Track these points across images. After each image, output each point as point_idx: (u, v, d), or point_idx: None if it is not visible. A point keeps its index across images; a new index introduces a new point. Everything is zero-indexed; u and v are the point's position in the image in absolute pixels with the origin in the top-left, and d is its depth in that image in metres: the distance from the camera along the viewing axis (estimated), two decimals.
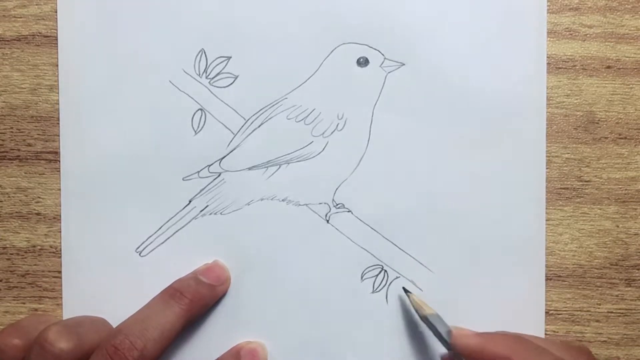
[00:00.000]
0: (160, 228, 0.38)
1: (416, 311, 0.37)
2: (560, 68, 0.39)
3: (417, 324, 0.38)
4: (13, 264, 0.38)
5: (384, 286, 0.38)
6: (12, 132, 0.38)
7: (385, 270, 0.38)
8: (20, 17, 0.38)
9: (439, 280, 0.38)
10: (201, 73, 0.38)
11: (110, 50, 0.38)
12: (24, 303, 0.38)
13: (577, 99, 0.39)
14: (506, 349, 0.32)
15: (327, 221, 0.38)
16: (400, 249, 0.38)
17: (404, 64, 0.38)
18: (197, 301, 0.36)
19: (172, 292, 0.35)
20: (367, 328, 0.38)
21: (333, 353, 0.38)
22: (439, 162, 0.38)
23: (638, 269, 0.39)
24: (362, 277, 0.38)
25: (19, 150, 0.38)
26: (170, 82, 0.38)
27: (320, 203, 0.38)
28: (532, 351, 0.32)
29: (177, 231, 0.38)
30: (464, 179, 0.38)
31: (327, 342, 0.38)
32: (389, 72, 0.38)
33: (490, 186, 0.38)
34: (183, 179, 0.38)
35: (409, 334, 0.38)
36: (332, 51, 0.38)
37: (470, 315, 0.38)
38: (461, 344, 0.33)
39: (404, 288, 0.38)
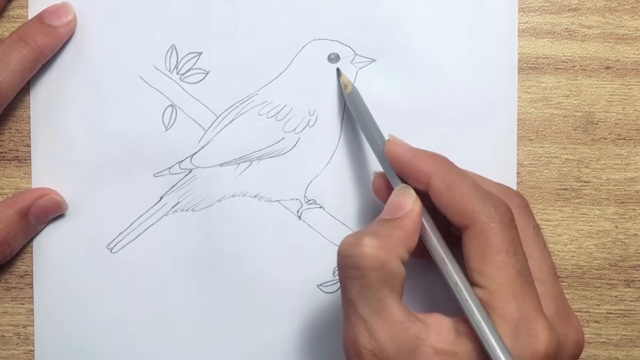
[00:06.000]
0: (131, 224, 0.38)
1: (342, 92, 0.36)
2: (559, 69, 0.38)
3: None
4: (12, 264, 0.38)
5: None
6: (10, 132, 0.38)
7: None
8: (20, 18, 0.38)
9: (410, 275, 0.38)
10: (172, 69, 0.38)
11: (80, 46, 0.38)
12: (22, 304, 0.38)
13: (576, 100, 0.39)
14: (429, 167, 0.31)
15: (299, 217, 0.38)
16: None
17: (374, 60, 0.38)
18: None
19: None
20: (339, 324, 0.38)
21: (304, 349, 0.38)
22: None
23: (637, 270, 0.39)
24: (333, 273, 0.38)
25: (17, 151, 0.38)
26: (140, 78, 0.38)
27: (292, 199, 0.38)
28: (454, 174, 0.31)
29: (148, 227, 0.38)
30: None
31: (297, 338, 0.38)
32: (360, 69, 0.38)
33: None
34: (154, 175, 0.38)
35: None
36: (303, 47, 0.38)
37: (446, 312, 0.38)
38: (393, 151, 0.33)
39: (337, 69, 0.38)
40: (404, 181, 0.33)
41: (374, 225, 0.31)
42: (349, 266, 0.30)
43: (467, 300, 0.29)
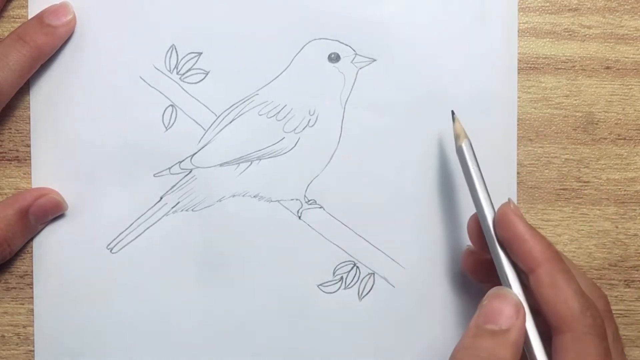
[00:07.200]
0: (131, 224, 0.38)
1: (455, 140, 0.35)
2: (559, 69, 0.38)
3: (389, 320, 0.38)
4: (12, 264, 0.38)
5: (355, 282, 0.38)
6: (10, 132, 0.38)
7: (357, 266, 0.38)
8: (20, 18, 0.38)
9: (411, 276, 0.38)
10: (172, 69, 0.38)
11: (80, 45, 0.38)
12: (22, 304, 0.38)
13: (576, 100, 0.39)
14: (542, 255, 0.31)
15: (299, 217, 0.38)
16: (372, 244, 0.38)
17: (375, 60, 0.38)
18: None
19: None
20: (339, 324, 0.38)
21: (304, 350, 0.38)
22: (410, 158, 0.38)
23: (637, 270, 0.39)
24: (334, 273, 0.38)
25: (17, 151, 0.38)
26: (140, 77, 0.38)
27: (292, 199, 0.38)
28: (563, 273, 0.31)
29: (148, 227, 0.38)
30: (436, 176, 0.38)
31: (297, 338, 0.38)
32: (360, 68, 0.38)
33: (462, 183, 0.38)
34: (154, 175, 0.38)
35: (381, 331, 0.38)
36: (303, 47, 0.38)
37: (443, 313, 0.38)
38: (508, 220, 0.31)
39: (452, 111, 0.36)
40: (502, 247, 0.32)
41: (482, 340, 0.30)
42: None
43: None
